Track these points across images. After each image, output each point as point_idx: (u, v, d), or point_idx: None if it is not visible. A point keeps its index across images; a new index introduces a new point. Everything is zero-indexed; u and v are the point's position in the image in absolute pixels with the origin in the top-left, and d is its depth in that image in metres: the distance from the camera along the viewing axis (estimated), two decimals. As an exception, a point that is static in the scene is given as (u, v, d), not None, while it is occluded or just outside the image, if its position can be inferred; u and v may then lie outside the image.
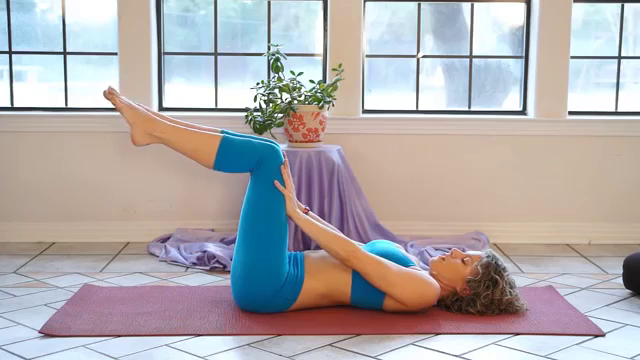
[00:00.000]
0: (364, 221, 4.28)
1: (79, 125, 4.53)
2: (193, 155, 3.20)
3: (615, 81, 4.77)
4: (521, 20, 4.72)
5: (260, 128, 4.31)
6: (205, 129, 3.29)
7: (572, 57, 4.65)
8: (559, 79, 4.61)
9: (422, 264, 3.95)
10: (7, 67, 4.62)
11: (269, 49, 4.39)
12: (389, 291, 3.10)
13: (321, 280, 3.16)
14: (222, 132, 3.27)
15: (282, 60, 4.31)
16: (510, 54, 4.82)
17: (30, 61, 4.78)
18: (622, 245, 4.55)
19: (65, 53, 4.63)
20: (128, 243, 4.50)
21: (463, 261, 3.20)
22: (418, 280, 3.11)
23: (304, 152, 4.18)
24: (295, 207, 3.17)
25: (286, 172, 3.17)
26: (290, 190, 3.17)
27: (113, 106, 3.22)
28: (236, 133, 3.31)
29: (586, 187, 4.66)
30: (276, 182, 3.15)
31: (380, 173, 4.61)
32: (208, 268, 3.95)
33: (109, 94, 3.20)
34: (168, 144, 3.21)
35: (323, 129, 4.31)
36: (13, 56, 4.62)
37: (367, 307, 3.19)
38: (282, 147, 4.18)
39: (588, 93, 4.93)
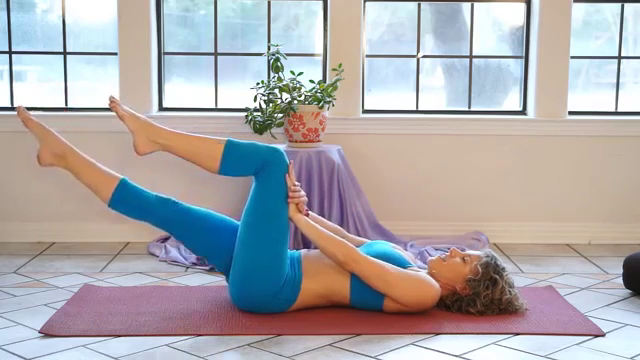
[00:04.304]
0: (364, 221, 4.29)
1: (79, 125, 4.52)
2: (198, 160, 3.19)
3: (615, 81, 4.77)
4: (521, 20, 4.72)
5: (260, 128, 4.31)
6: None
7: (572, 57, 4.65)
8: (559, 79, 4.61)
9: (422, 264, 3.95)
10: (7, 67, 4.62)
11: (269, 49, 4.39)
12: (389, 293, 3.10)
13: (319, 282, 3.16)
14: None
15: (282, 60, 4.32)
16: (510, 54, 4.82)
17: (30, 61, 4.78)
18: (622, 245, 4.54)
19: (65, 53, 4.63)
20: (128, 243, 4.51)
21: (463, 260, 3.20)
22: (418, 281, 3.11)
23: (304, 152, 4.18)
24: (296, 210, 3.17)
25: (292, 174, 3.17)
26: (294, 193, 3.16)
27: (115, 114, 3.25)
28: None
29: (586, 187, 4.67)
30: (287, 176, 3.15)
31: (380, 173, 4.61)
32: (208, 268, 3.95)
33: (111, 103, 3.23)
34: (172, 150, 3.22)
35: (323, 129, 4.31)
36: (13, 56, 4.63)
37: (367, 308, 3.19)
38: (282, 147, 4.19)
39: (588, 93, 4.93)
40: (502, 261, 3.23)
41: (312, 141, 4.28)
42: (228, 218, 3.31)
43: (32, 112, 4.54)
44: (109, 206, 3.25)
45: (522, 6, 4.70)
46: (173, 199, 3.24)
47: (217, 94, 4.71)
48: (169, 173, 4.54)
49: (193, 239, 3.24)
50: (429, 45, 4.83)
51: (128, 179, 3.25)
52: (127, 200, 3.21)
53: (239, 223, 3.25)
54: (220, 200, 4.53)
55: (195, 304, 3.30)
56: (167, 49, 4.69)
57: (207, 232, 3.22)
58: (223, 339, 2.91)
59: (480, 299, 3.15)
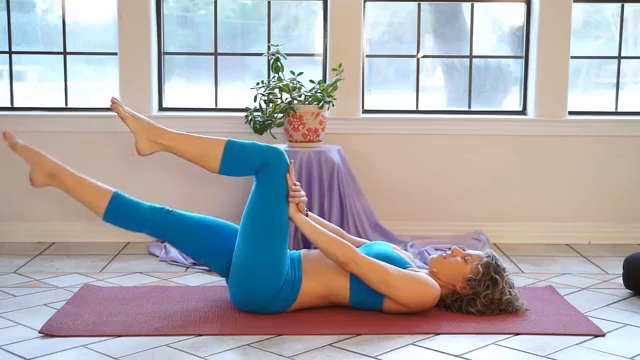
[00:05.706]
0: (364, 221, 4.28)
1: (79, 125, 4.53)
2: (199, 160, 3.20)
3: (615, 81, 4.77)
4: (521, 20, 4.72)
5: (260, 128, 4.31)
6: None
7: (572, 57, 4.65)
8: (559, 79, 4.61)
9: (421, 264, 3.95)
10: (7, 67, 4.62)
11: (269, 49, 4.39)
12: (390, 294, 3.09)
13: (319, 282, 3.16)
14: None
15: (282, 60, 4.32)
16: (510, 54, 4.82)
17: (30, 61, 4.78)
18: (622, 245, 4.54)
19: (65, 53, 4.63)
20: (128, 243, 4.51)
21: (464, 259, 3.20)
22: (418, 282, 3.11)
23: (304, 152, 4.19)
24: (296, 209, 3.17)
25: (293, 174, 3.17)
26: (295, 192, 3.17)
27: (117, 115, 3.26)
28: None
29: (586, 187, 4.67)
30: (287, 175, 3.15)
31: (380, 173, 4.61)
32: (208, 268, 3.94)
33: (112, 104, 3.24)
34: (173, 151, 3.23)
35: (323, 129, 4.32)
36: (13, 56, 4.63)
37: (366, 308, 3.19)
38: (282, 147, 4.19)
39: (588, 93, 4.93)
40: (502, 261, 3.23)
41: (312, 141, 4.28)
42: (224, 221, 3.31)
43: (32, 112, 4.59)
44: (104, 220, 3.22)
45: (522, 6, 4.70)
46: (167, 207, 3.24)
47: (217, 94, 4.71)
48: (170, 173, 4.54)
49: (191, 245, 3.24)
50: (429, 45, 4.83)
51: (120, 191, 3.23)
52: (121, 213, 3.19)
53: (235, 226, 3.26)
54: (220, 200, 4.53)
55: (195, 304, 3.31)
56: (167, 49, 4.69)
57: (204, 237, 3.22)
58: (223, 339, 2.91)
59: (480, 299, 3.15)
